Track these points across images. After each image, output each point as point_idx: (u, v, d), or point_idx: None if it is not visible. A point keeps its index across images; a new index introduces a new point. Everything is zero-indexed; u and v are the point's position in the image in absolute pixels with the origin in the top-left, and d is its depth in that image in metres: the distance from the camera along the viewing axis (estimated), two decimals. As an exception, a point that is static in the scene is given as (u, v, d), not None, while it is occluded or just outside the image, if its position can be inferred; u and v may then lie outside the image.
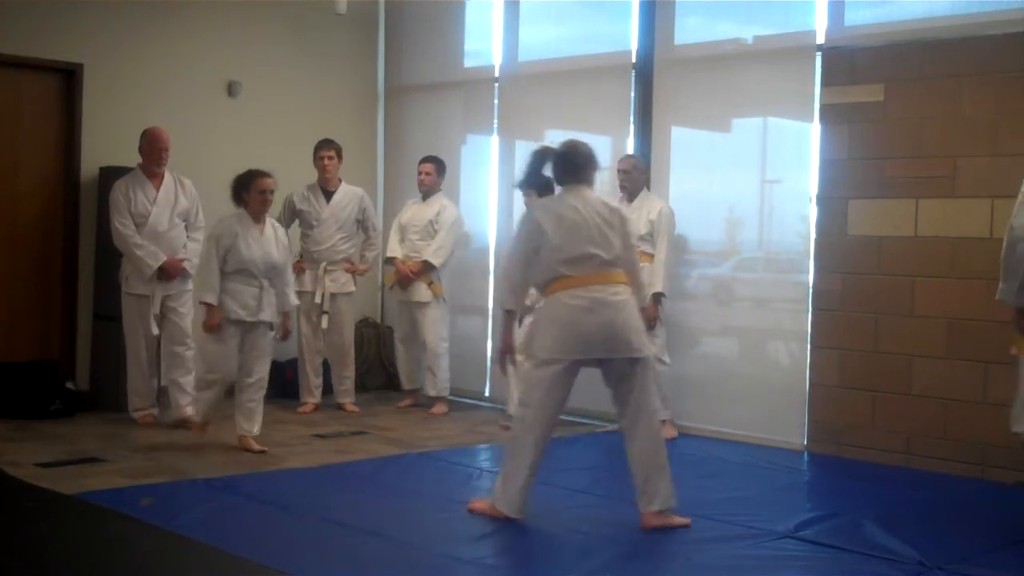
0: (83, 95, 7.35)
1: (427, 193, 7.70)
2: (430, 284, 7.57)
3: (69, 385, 7.10)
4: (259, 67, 8.17)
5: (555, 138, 8.03)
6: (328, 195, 7.50)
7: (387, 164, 8.94)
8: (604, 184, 7.76)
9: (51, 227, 7.38)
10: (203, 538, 4.29)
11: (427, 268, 7.55)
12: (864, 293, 6.28)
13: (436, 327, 7.61)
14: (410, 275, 7.54)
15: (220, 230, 6.07)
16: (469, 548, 4.40)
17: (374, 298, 8.83)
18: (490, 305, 8.13)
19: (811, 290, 6.53)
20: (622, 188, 6.98)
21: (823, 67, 6.50)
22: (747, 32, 7.12)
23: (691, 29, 7.29)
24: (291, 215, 7.55)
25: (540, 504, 5.14)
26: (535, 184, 5.23)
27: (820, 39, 6.55)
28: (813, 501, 5.35)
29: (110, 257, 7.22)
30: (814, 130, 6.55)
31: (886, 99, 6.22)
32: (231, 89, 8.04)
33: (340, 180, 7.55)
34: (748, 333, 6.83)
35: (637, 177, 6.92)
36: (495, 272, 8.06)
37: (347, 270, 7.53)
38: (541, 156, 4.96)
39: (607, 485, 5.75)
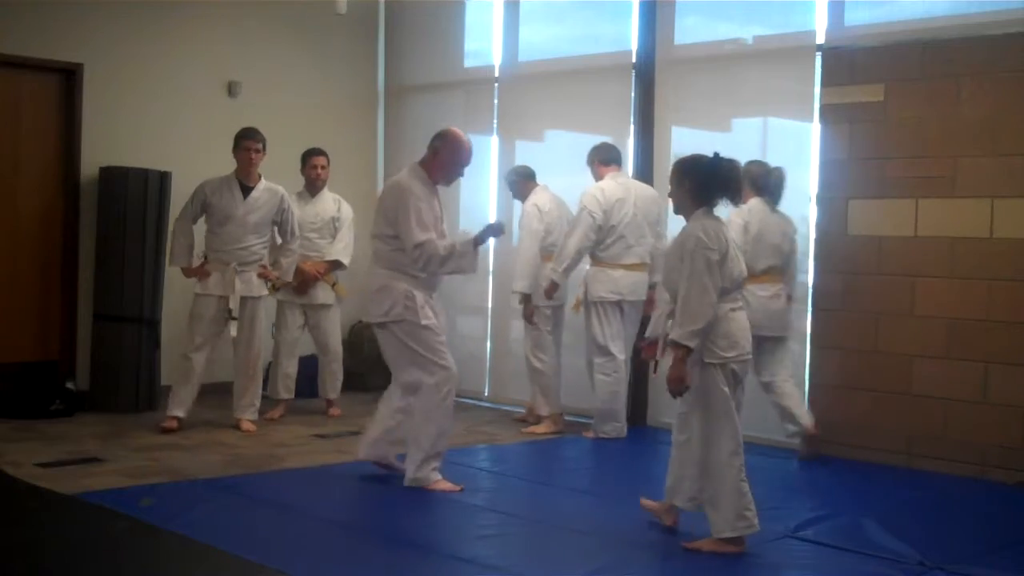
0: (83, 95, 7.35)
1: (319, 188, 7.32)
2: (334, 285, 7.28)
3: (69, 385, 7.10)
4: (259, 67, 8.17)
5: (555, 138, 8.10)
6: (246, 191, 6.69)
7: (387, 164, 8.93)
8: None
9: (51, 227, 7.38)
10: (203, 538, 4.29)
11: (334, 268, 7.26)
12: (864, 293, 6.27)
13: (336, 329, 7.41)
14: (316, 276, 7.16)
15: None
16: (469, 548, 4.40)
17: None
18: (490, 305, 8.14)
19: (811, 290, 6.53)
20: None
21: (823, 67, 6.50)
22: (747, 32, 7.12)
23: (691, 29, 7.29)
24: (199, 208, 6.73)
25: (541, 504, 5.14)
26: None
27: (820, 39, 6.55)
28: (813, 501, 5.34)
29: (110, 257, 7.23)
30: (814, 130, 6.55)
31: (886, 99, 6.22)
32: (231, 89, 8.04)
33: (260, 176, 6.77)
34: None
35: (515, 180, 7.27)
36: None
37: (260, 275, 6.72)
38: None
39: (607, 485, 5.75)
